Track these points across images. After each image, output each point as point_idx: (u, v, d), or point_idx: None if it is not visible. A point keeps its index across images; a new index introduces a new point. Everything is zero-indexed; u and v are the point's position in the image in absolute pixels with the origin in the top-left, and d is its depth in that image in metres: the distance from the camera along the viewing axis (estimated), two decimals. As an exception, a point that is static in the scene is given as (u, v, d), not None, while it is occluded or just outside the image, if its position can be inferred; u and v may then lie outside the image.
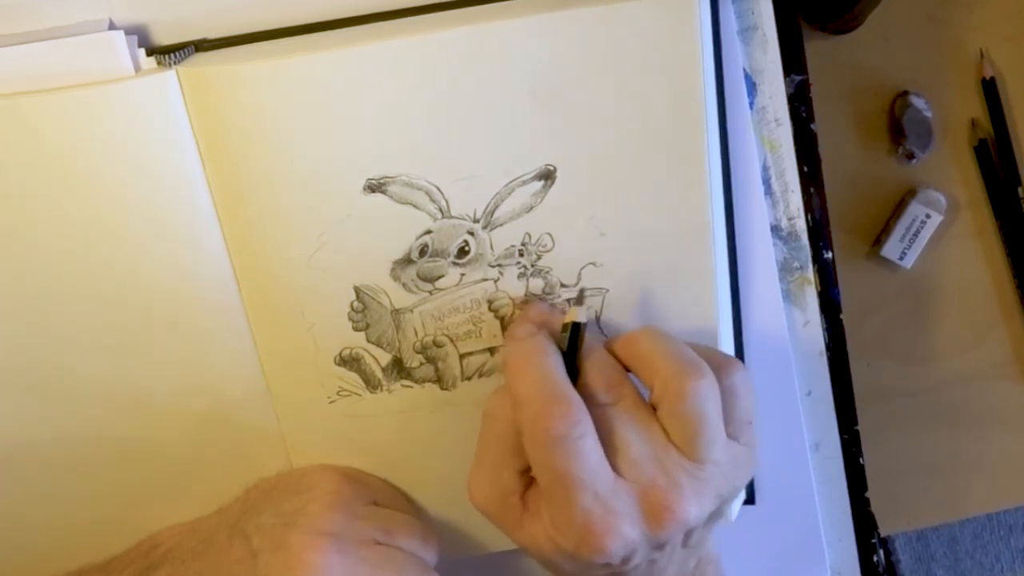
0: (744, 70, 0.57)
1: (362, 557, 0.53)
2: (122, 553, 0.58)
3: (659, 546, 0.50)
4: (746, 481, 0.53)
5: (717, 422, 0.50)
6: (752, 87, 0.58)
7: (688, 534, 0.51)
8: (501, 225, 0.54)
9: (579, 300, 0.55)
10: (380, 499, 0.57)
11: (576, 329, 0.52)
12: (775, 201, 0.59)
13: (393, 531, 0.55)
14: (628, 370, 0.52)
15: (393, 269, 0.55)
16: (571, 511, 0.48)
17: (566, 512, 0.49)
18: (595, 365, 0.51)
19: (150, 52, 0.52)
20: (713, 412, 0.49)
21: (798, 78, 0.60)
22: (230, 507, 0.57)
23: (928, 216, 0.66)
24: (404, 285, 0.55)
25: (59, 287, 0.54)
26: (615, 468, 0.49)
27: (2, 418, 0.56)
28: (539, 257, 0.55)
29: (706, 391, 0.49)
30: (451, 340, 0.56)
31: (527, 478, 0.51)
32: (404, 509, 0.58)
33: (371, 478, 0.58)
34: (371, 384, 0.57)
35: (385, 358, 0.56)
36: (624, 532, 0.48)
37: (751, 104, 0.58)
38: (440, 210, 0.54)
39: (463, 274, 0.55)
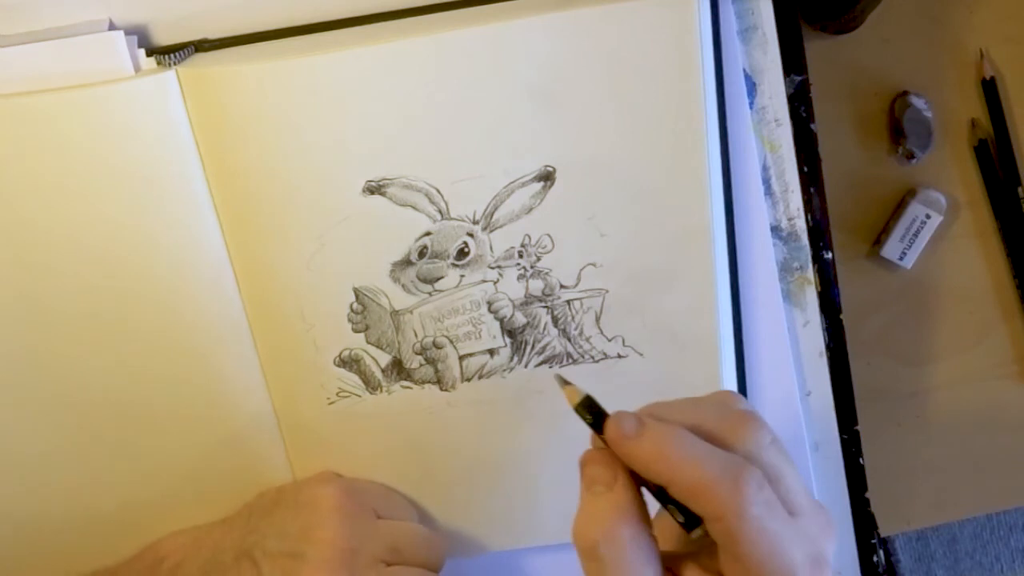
0: (744, 70, 0.57)
1: None
2: (125, 563, 0.58)
3: None
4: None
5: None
6: (752, 87, 0.58)
7: None
8: (501, 226, 0.54)
9: (565, 381, 0.45)
10: (381, 507, 0.57)
11: (592, 403, 0.45)
12: (775, 201, 0.59)
13: (401, 548, 0.55)
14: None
15: (392, 270, 0.55)
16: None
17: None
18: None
19: (150, 52, 0.52)
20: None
21: (798, 78, 0.60)
22: (232, 521, 0.57)
23: (928, 216, 0.66)
24: (404, 286, 0.55)
25: (58, 286, 0.54)
26: None
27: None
28: (539, 258, 0.55)
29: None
30: (451, 341, 0.56)
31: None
32: (405, 513, 0.58)
33: (370, 485, 0.58)
34: (371, 385, 0.57)
35: (385, 359, 0.56)
36: None
37: (751, 104, 0.58)
38: (439, 211, 0.54)
39: (463, 275, 0.55)
